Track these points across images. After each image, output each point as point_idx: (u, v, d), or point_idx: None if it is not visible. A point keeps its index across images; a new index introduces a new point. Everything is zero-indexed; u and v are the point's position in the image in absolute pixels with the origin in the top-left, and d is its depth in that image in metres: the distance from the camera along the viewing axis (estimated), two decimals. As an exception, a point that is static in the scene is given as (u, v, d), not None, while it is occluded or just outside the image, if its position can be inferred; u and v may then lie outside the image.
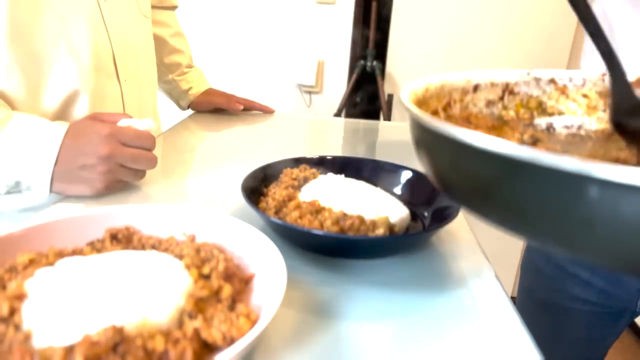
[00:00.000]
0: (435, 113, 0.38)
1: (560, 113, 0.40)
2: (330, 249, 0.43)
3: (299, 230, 0.40)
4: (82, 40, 0.62)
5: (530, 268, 0.78)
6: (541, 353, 0.33)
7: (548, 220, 0.21)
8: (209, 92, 1.02)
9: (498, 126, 0.39)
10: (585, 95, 0.40)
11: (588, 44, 0.67)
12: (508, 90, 0.41)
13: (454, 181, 0.27)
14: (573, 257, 0.22)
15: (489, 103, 0.41)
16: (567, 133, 0.40)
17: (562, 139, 0.39)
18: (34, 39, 0.57)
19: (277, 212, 0.45)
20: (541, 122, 0.40)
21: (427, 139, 0.28)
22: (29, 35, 0.57)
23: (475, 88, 0.40)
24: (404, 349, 0.33)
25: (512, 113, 0.41)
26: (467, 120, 0.38)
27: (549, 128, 0.40)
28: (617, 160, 0.31)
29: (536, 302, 0.77)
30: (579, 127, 0.40)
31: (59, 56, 0.60)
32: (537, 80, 0.41)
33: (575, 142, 0.38)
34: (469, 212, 0.27)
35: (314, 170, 0.53)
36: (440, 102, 0.38)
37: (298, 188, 0.50)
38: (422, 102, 0.36)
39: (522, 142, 0.35)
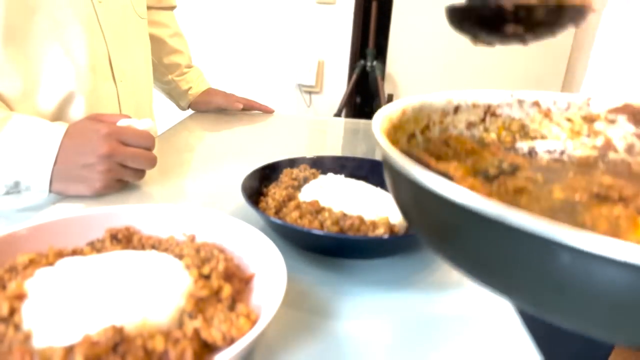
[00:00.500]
0: (412, 137, 0.36)
1: (543, 137, 0.39)
2: (331, 249, 0.43)
3: (299, 230, 0.40)
4: (78, 42, 0.62)
5: None
6: (541, 353, 0.33)
7: (513, 278, 0.20)
8: (209, 92, 1.02)
9: (478, 149, 0.37)
10: (569, 120, 0.39)
11: (593, 63, 0.67)
12: (490, 112, 0.40)
13: (417, 220, 0.26)
14: (541, 317, 0.21)
15: (470, 125, 0.39)
16: (550, 158, 0.38)
17: (543, 164, 0.38)
18: (28, 40, 0.57)
19: (277, 212, 0.45)
20: (523, 145, 0.39)
21: (391, 173, 0.27)
22: (24, 36, 0.57)
23: (456, 109, 0.39)
24: (404, 349, 0.33)
25: (493, 136, 0.39)
26: (446, 143, 0.37)
27: (531, 152, 0.39)
28: (598, 194, 0.30)
29: None
30: (562, 153, 0.38)
31: (54, 57, 0.60)
32: (521, 102, 0.39)
33: (557, 169, 0.37)
34: (432, 252, 0.26)
35: (314, 170, 0.53)
36: (419, 124, 0.37)
37: (298, 188, 0.50)
38: (397, 127, 0.34)
39: (500, 170, 0.34)
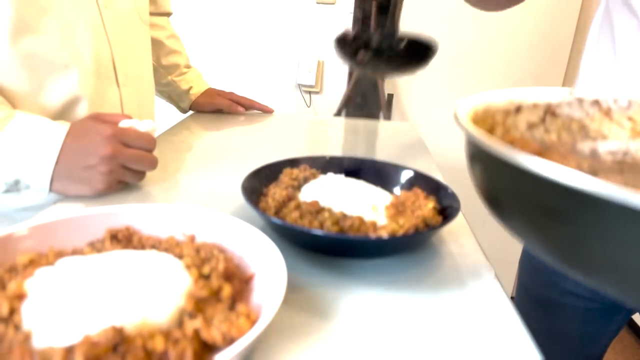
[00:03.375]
0: None
1: (604, 137, 0.38)
2: (331, 249, 0.43)
3: (299, 230, 0.40)
4: (84, 45, 0.62)
5: (527, 264, 0.79)
6: (541, 353, 0.33)
7: (620, 261, 0.20)
8: (209, 93, 1.02)
9: (544, 151, 0.36)
10: (630, 119, 0.38)
11: (591, 41, 0.67)
12: (550, 111, 0.39)
13: (511, 208, 0.26)
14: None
15: (531, 126, 0.38)
16: (613, 160, 0.37)
17: (611, 166, 0.36)
18: (38, 40, 0.57)
19: (277, 212, 0.45)
20: (584, 146, 0.38)
21: (485, 161, 0.26)
22: (33, 35, 0.57)
23: (518, 109, 0.38)
24: (404, 349, 0.32)
25: (554, 137, 0.38)
26: (511, 145, 0.36)
27: (593, 153, 0.38)
28: None
29: (533, 298, 0.78)
30: (625, 154, 0.37)
31: (61, 59, 0.60)
32: (580, 101, 0.38)
33: (627, 170, 0.35)
34: (523, 238, 0.26)
35: (313, 170, 0.53)
36: (485, 125, 0.36)
37: (298, 188, 0.50)
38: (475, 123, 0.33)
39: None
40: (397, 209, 0.45)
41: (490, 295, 0.39)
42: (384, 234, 0.41)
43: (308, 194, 0.47)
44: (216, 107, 1.01)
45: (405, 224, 0.42)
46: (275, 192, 0.47)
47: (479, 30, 1.60)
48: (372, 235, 0.41)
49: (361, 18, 1.55)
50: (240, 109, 1.01)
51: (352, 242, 0.40)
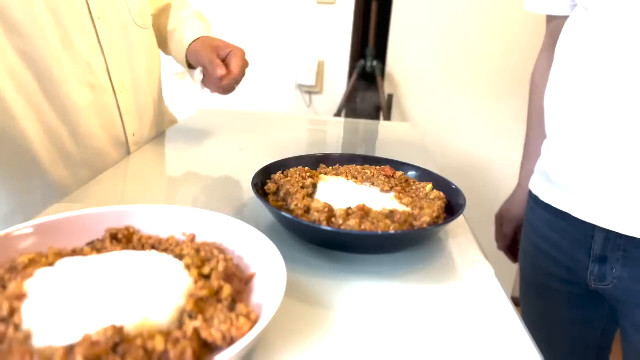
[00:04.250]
0: None
1: None
2: (331, 244, 0.43)
3: (304, 224, 0.40)
4: (78, 58, 0.63)
5: (522, 252, 0.81)
6: (541, 353, 0.33)
7: None
8: (204, 41, 0.83)
9: None
10: None
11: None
12: None
13: None
14: None
15: None
16: None
17: None
18: (38, 54, 0.58)
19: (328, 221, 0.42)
20: None
21: None
22: (31, 42, 0.57)
23: None
24: (404, 348, 0.32)
25: None
26: None
27: None
28: None
29: (528, 285, 0.81)
30: None
31: (57, 73, 0.60)
32: None
33: None
34: None
35: (319, 171, 0.52)
36: None
37: (311, 196, 0.48)
38: None
39: None
40: (404, 198, 0.45)
41: (490, 296, 0.39)
42: (427, 220, 0.41)
43: (321, 198, 0.47)
44: (200, 63, 0.80)
45: (428, 209, 0.42)
46: (296, 199, 0.45)
47: (478, 31, 1.60)
48: (416, 224, 0.42)
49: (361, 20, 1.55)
50: (219, 72, 0.76)
51: (352, 237, 0.40)
